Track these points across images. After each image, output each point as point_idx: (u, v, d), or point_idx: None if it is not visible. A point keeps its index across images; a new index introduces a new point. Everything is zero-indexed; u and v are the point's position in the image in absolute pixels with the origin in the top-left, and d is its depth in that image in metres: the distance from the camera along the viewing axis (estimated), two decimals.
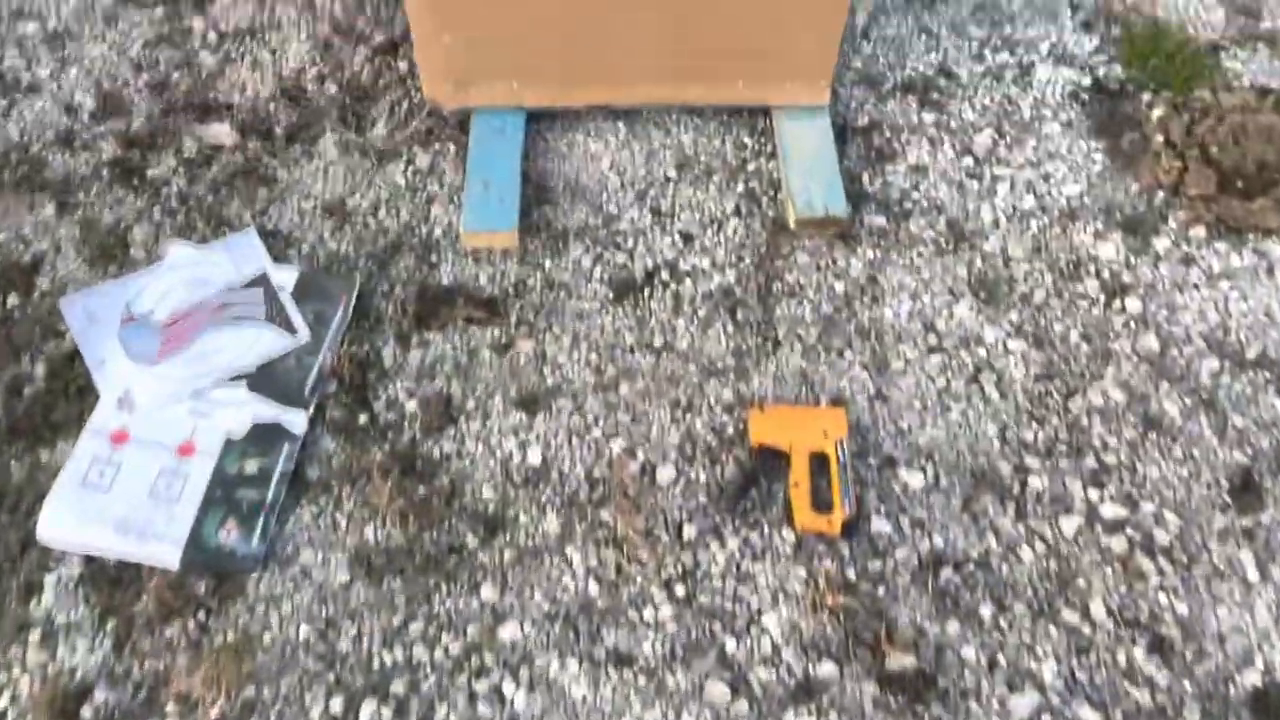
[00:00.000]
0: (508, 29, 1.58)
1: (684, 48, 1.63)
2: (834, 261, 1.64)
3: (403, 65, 1.83)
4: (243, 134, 1.74)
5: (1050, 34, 1.95)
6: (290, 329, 1.51)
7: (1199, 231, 1.68)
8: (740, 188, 1.72)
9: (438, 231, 1.65)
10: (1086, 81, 1.88)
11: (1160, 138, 1.77)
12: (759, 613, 1.29)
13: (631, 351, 1.53)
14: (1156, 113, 1.81)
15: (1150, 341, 1.57)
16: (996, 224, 1.69)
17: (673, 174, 1.73)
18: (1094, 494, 1.40)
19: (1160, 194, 1.73)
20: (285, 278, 1.57)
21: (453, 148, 1.74)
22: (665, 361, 1.52)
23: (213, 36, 1.87)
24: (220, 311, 1.52)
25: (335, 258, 1.61)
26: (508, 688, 1.22)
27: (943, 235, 1.67)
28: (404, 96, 1.79)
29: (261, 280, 1.57)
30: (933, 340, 1.56)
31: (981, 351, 1.55)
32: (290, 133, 1.75)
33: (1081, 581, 1.32)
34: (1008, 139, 1.79)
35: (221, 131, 1.74)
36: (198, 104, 1.78)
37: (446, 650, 1.25)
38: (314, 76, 1.82)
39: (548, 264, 1.62)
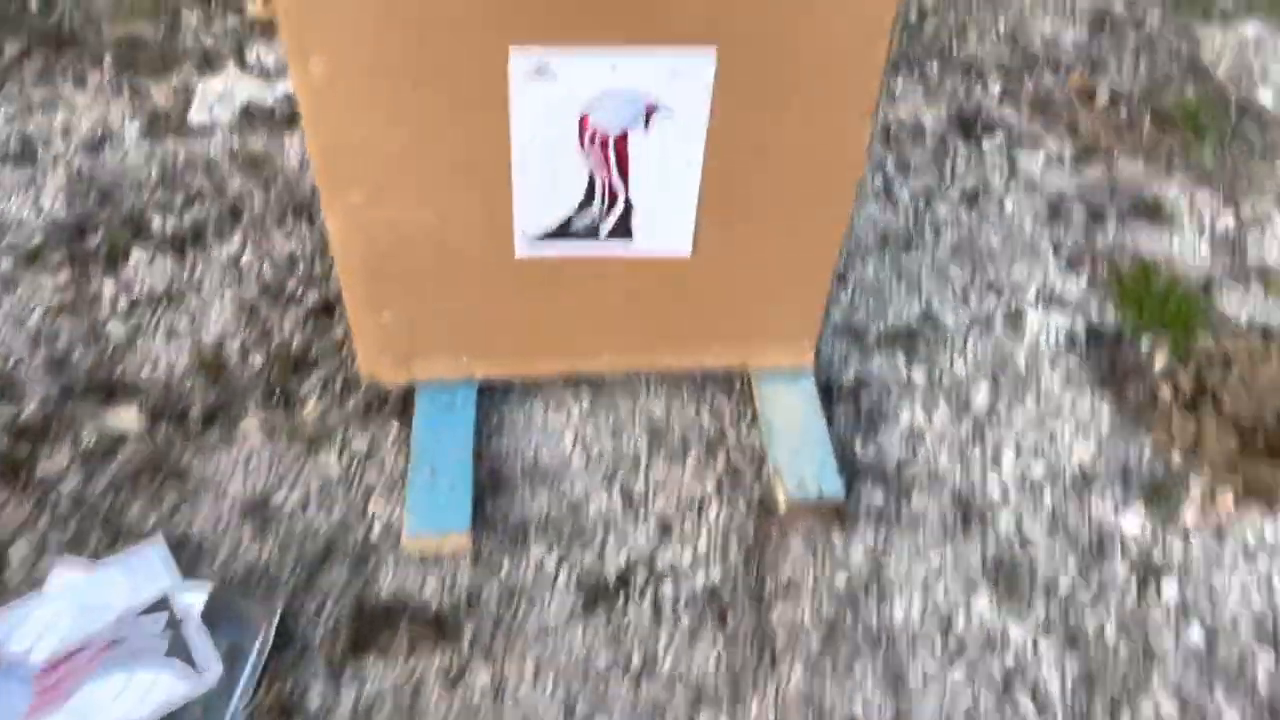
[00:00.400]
0: (455, 303, 1.41)
1: (651, 316, 1.47)
2: (832, 549, 1.44)
3: (339, 330, 1.65)
4: (152, 418, 1.53)
5: (1035, 275, 1.84)
6: (197, 667, 1.26)
7: (1226, 499, 1.52)
8: (720, 463, 1.53)
9: (377, 529, 1.43)
10: (1080, 326, 1.76)
11: (1168, 391, 1.63)
12: None
13: (607, 678, 1.29)
14: (1159, 362, 1.68)
15: (1195, 635, 1.38)
16: (1006, 498, 1.52)
17: (644, 448, 1.54)
18: None
19: (1177, 455, 1.58)
20: (194, 599, 1.33)
21: (396, 426, 1.54)
22: (647, 687, 1.29)
23: (124, 303, 1.68)
24: (110, 650, 1.27)
25: (256, 569, 1.38)
26: None
27: (949, 512, 1.49)
28: (339, 368, 1.60)
29: (164, 605, 1.32)
30: (953, 645, 1.35)
31: (1009, 657, 1.34)
32: (208, 414, 1.54)
33: None
34: (1006, 396, 1.65)
35: (127, 416, 1.52)
36: (101, 383, 1.57)
37: None
38: (237, 347, 1.63)
39: (505, 567, 1.40)
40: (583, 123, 1.20)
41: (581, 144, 1.22)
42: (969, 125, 2.12)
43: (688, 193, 1.29)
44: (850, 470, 1.53)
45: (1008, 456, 1.57)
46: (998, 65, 2.23)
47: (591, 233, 1.33)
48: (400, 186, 1.25)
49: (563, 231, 1.32)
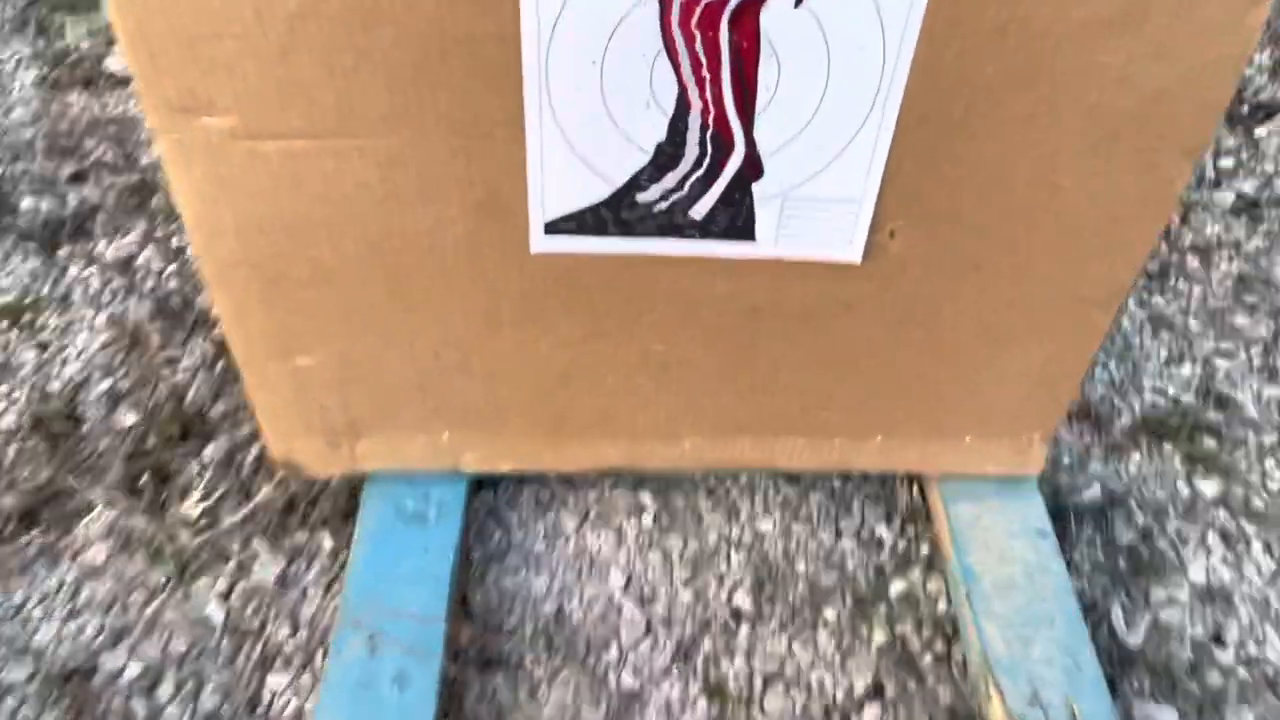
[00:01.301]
0: (426, 340, 0.79)
1: (770, 376, 0.83)
2: None
3: None
4: None
5: None
6: None
7: None
8: (880, 636, 0.88)
9: None
10: None
11: None
12: None
13: None
14: None
15: None
16: None
17: (745, 603, 0.90)
18: None
19: None
20: None
21: (326, 544, 0.92)
22: None
23: None
24: None
25: None
26: None
27: None
28: (248, 442, 0.99)
29: None
30: None
31: None
32: (29, 507, 0.93)
33: None
34: None
35: None
36: None
37: None
38: (100, 397, 1.02)
39: None
40: None
41: (665, 26, 0.59)
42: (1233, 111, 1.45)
43: (867, 148, 0.65)
44: (1111, 666, 0.86)
45: None
46: (1270, 35, 1.55)
47: (674, 213, 0.69)
48: (307, 105, 0.63)
49: (617, 209, 0.69)
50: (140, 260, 1.15)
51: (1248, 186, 1.28)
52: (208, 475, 0.96)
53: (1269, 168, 1.30)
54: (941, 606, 0.90)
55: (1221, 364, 1.10)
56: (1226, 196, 1.27)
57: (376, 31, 0.59)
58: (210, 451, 0.98)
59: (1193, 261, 1.20)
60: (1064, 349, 0.81)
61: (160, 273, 1.14)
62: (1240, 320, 1.14)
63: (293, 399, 0.82)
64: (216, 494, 0.94)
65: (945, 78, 0.62)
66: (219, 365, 1.05)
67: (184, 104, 0.62)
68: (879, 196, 0.68)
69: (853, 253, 0.72)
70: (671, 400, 0.85)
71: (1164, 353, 1.11)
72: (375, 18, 0.58)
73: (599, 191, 0.67)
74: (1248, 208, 1.26)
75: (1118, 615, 0.90)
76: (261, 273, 0.72)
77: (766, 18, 0.59)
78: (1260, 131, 1.37)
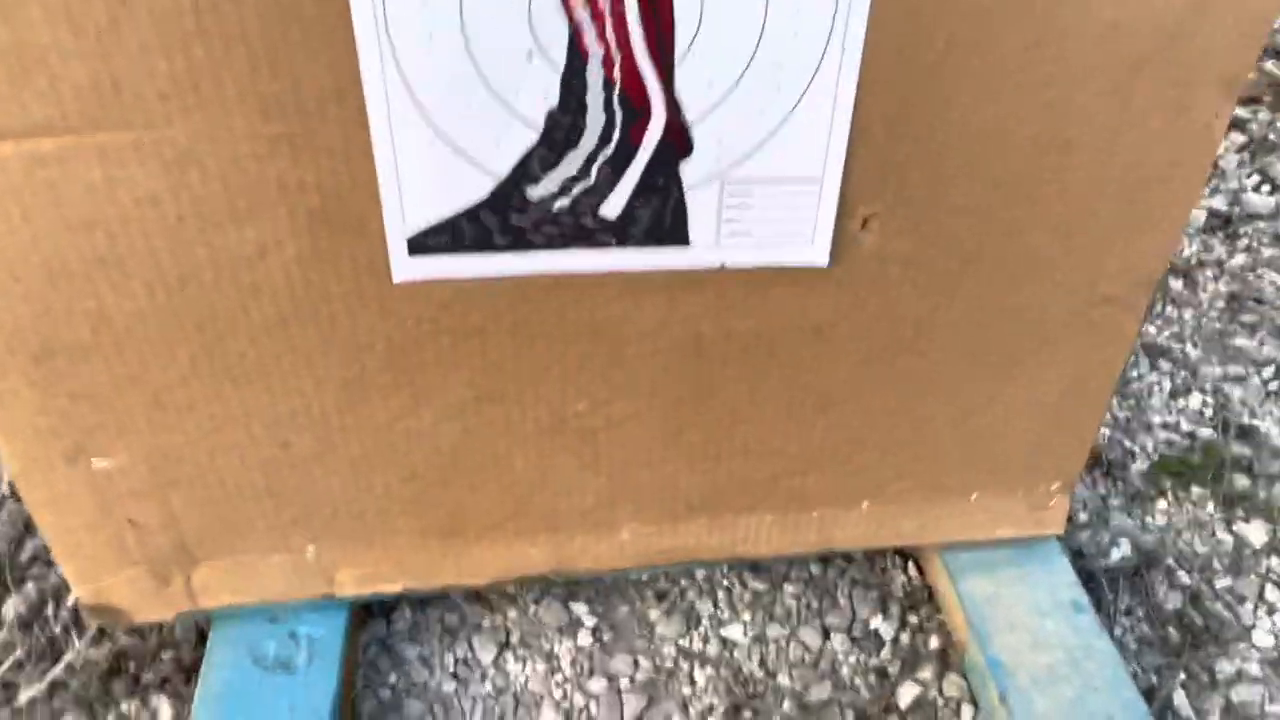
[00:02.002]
0: (266, 429, 0.59)
1: (722, 452, 0.65)
2: None
3: None
4: None
5: None
6: None
7: None
8: None
9: None
10: None
11: None
12: None
13: None
14: None
15: None
16: None
17: None
18: None
19: None
20: None
21: (164, 711, 0.70)
22: None
23: None
24: None
25: None
26: None
27: None
28: (63, 589, 0.77)
29: None
30: None
31: None
32: None
33: None
34: None
35: None
36: None
37: None
38: None
39: None
40: None
41: None
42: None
43: (825, 101, 0.49)
44: None
45: None
46: None
47: (580, 213, 0.52)
48: (51, 84, 0.45)
49: (504, 211, 0.51)
50: None
51: (1217, 203, 1.17)
52: (2, 636, 0.73)
53: (1233, 184, 1.20)
54: (967, 714, 0.71)
55: (1233, 391, 0.95)
56: (1197, 214, 1.15)
57: None
58: (10, 606, 0.75)
59: (1176, 284, 1.07)
60: (1084, 366, 0.65)
61: None
62: (1242, 342, 1.01)
63: (95, 519, 0.62)
64: (12, 658, 0.71)
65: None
66: None
67: None
68: (845, 171, 0.52)
69: (817, 253, 0.55)
70: (601, 478, 0.66)
71: (1167, 384, 0.96)
72: None
73: (477, 187, 0.50)
74: (1222, 224, 1.15)
75: (1183, 700, 0.72)
76: (23, 341, 0.53)
77: None
78: (1260, 115, 1.28)
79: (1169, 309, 1.04)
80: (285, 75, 0.46)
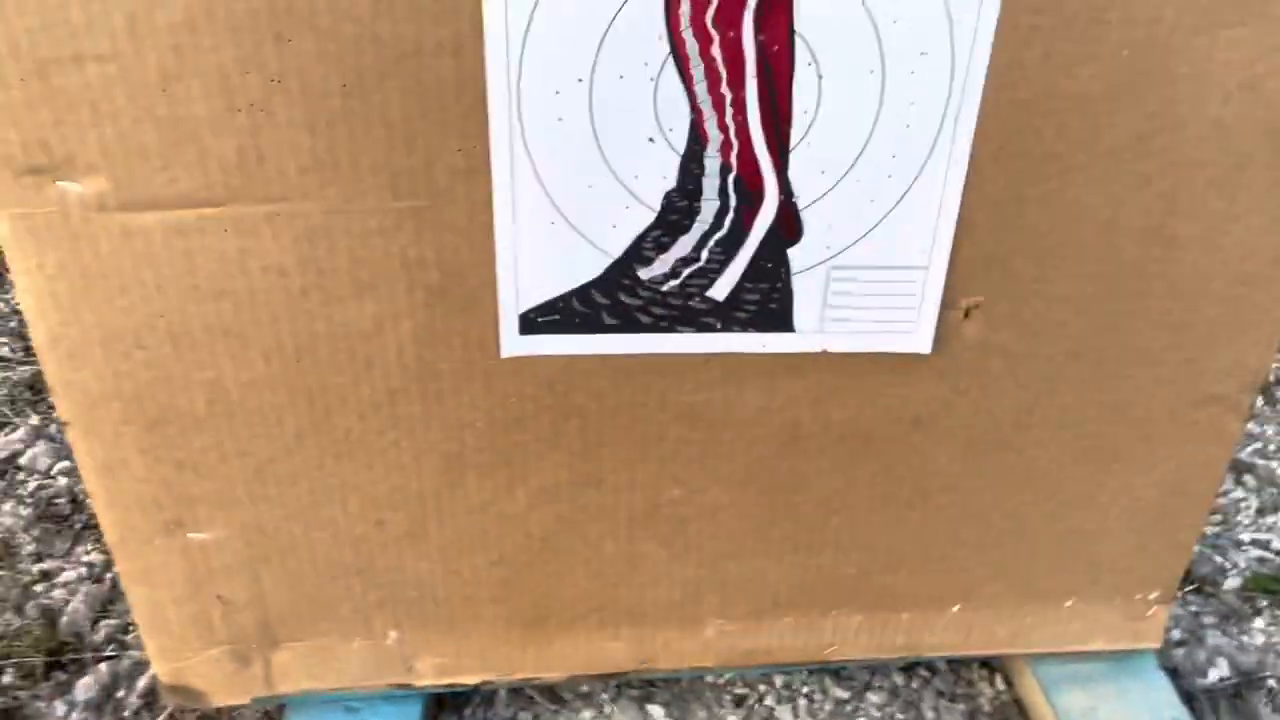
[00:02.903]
0: (364, 507, 0.59)
1: (814, 545, 0.64)
2: None
3: None
4: None
5: None
6: None
7: None
8: None
9: None
10: None
11: None
12: None
13: None
14: None
15: None
16: None
17: None
18: None
19: None
20: None
21: None
22: None
23: None
24: None
25: None
26: None
27: None
28: (136, 670, 0.76)
29: None
30: None
31: None
32: None
33: None
34: None
35: None
36: None
37: None
38: None
39: None
40: None
41: (672, 25, 0.45)
42: None
43: (933, 192, 0.51)
44: None
45: None
46: None
47: (688, 294, 0.53)
48: (199, 158, 0.48)
49: (615, 291, 0.52)
50: (25, 459, 0.95)
51: None
52: (74, 718, 0.72)
53: None
54: None
55: None
56: None
57: (291, 45, 0.44)
58: (83, 686, 0.74)
59: (1257, 399, 1.05)
60: (1186, 468, 0.63)
61: (47, 471, 0.94)
62: None
63: (185, 593, 0.61)
64: None
65: (1030, 88, 0.48)
66: (109, 576, 0.83)
67: (32, 162, 0.46)
68: (951, 261, 0.53)
69: (919, 341, 0.56)
70: (689, 569, 0.65)
71: (1254, 501, 0.94)
72: (289, 24, 0.44)
73: (591, 265, 0.51)
74: None
75: None
76: (139, 408, 0.54)
77: (803, 11, 0.45)
78: None
79: (1250, 425, 1.02)
80: (419, 153, 0.48)
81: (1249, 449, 0.99)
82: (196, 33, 0.44)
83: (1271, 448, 0.99)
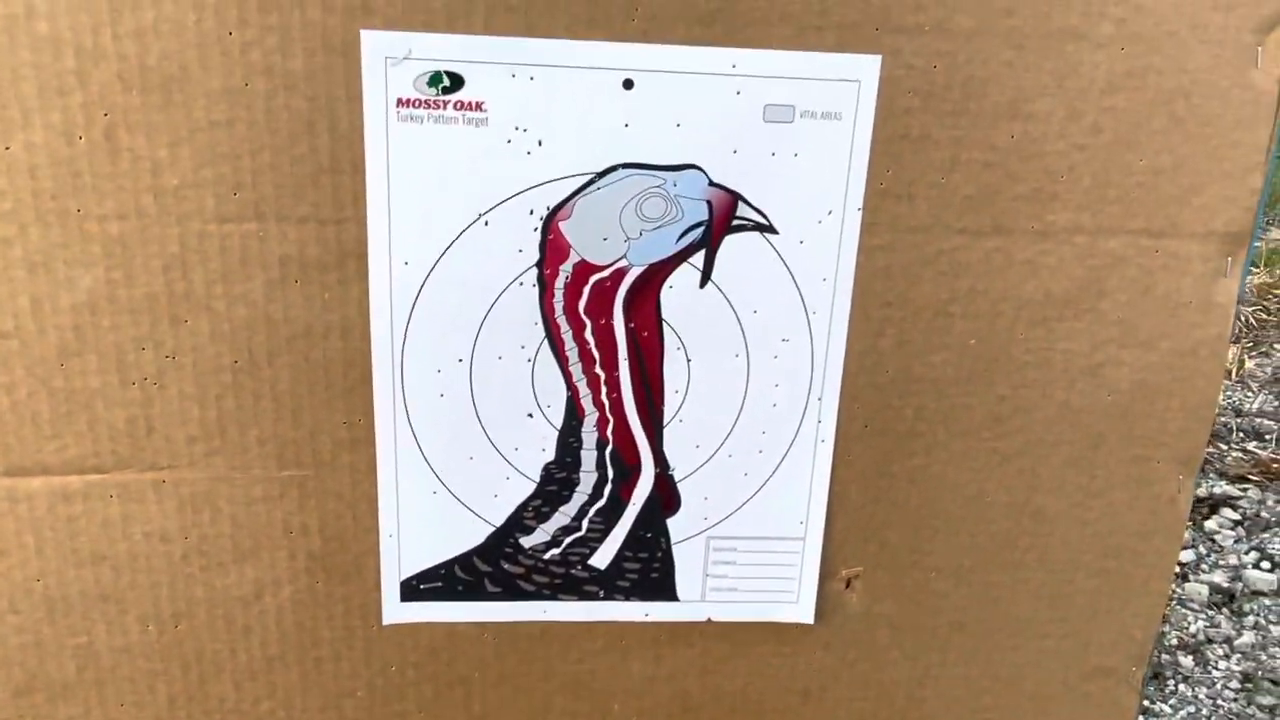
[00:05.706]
0: None
1: None
2: None
3: None
4: None
5: None
6: None
7: None
8: None
9: None
10: None
11: None
12: None
13: None
14: None
15: None
16: None
17: None
18: None
19: None
20: None
21: None
22: None
23: None
24: None
25: None
26: None
27: None
28: None
29: None
30: None
31: None
32: None
33: None
34: None
35: None
36: None
37: None
38: None
39: None
40: (552, 249, 0.48)
41: (547, 310, 0.49)
42: None
43: (804, 466, 0.53)
44: None
45: None
46: None
47: (570, 563, 0.54)
48: (90, 426, 0.49)
49: (496, 559, 0.53)
50: None
51: (1218, 578, 1.17)
52: None
53: (1232, 560, 1.21)
54: None
55: None
56: (1200, 589, 1.15)
57: (187, 325, 0.47)
58: None
59: (1186, 660, 1.04)
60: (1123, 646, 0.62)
61: None
62: None
63: None
64: None
65: (887, 372, 0.52)
66: None
67: None
68: (826, 532, 0.54)
69: (802, 611, 0.56)
70: None
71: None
72: (186, 307, 0.47)
73: (473, 534, 0.52)
74: (1226, 600, 1.14)
75: None
76: (7, 675, 0.53)
77: (669, 300, 0.49)
78: (1210, 524, 1.30)
79: (1181, 687, 1.01)
80: (306, 425, 0.50)
81: (1182, 713, 0.97)
82: (97, 314, 0.47)
83: (1204, 712, 0.98)
